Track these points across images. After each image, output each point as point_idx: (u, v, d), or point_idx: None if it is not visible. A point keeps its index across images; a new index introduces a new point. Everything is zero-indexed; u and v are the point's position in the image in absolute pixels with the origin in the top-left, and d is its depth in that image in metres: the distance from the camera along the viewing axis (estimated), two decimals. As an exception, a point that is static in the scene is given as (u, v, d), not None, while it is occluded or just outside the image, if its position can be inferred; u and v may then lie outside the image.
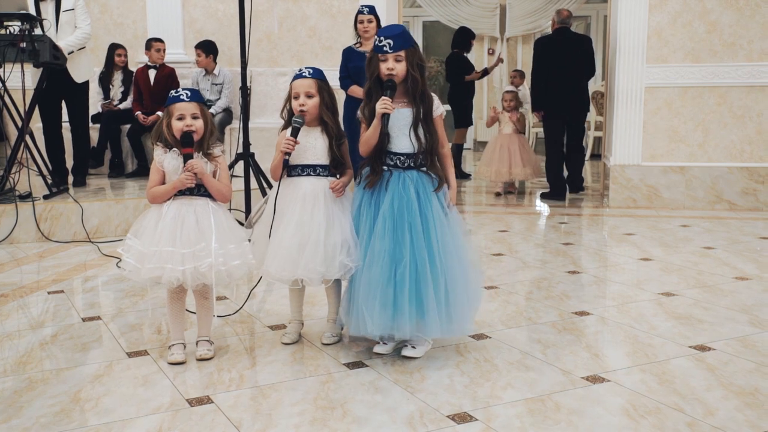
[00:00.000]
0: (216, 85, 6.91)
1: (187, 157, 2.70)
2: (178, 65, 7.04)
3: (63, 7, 5.57)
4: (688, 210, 6.16)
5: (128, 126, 6.82)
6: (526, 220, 5.87)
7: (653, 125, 6.27)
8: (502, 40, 12.38)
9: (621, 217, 5.93)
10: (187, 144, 2.70)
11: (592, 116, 10.40)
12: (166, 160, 2.74)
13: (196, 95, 2.76)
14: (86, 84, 5.89)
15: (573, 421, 2.29)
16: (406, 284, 2.66)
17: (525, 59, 12.63)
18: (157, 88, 6.74)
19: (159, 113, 6.14)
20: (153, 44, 6.76)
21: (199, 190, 2.74)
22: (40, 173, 5.41)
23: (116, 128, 6.87)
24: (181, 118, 2.71)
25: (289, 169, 2.88)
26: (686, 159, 6.27)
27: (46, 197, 5.19)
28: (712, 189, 6.23)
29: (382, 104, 2.69)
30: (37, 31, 5.21)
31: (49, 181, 5.41)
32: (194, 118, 2.72)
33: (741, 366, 2.73)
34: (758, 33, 6.07)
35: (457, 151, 8.63)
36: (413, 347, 2.81)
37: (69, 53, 5.50)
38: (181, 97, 2.73)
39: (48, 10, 5.54)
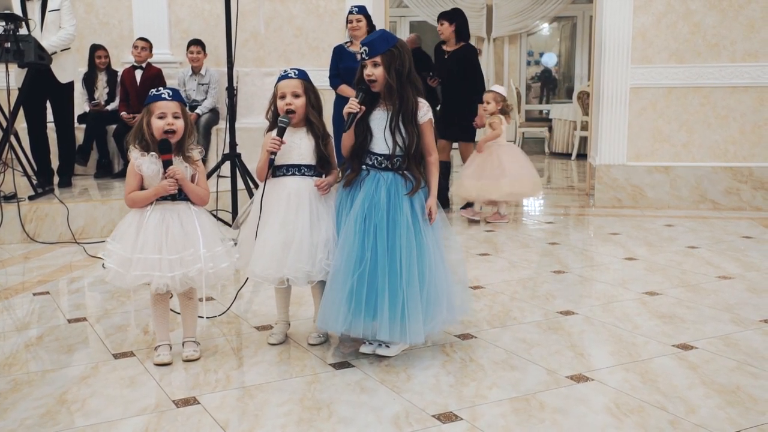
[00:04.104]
0: (202, 85, 6.89)
1: (167, 164, 2.69)
2: (165, 65, 7.01)
3: (49, 7, 5.55)
4: (672, 210, 6.21)
5: (114, 126, 6.79)
6: (512, 220, 5.89)
7: (638, 125, 6.31)
8: (488, 40, 12.41)
9: (606, 216, 5.97)
10: (165, 150, 2.68)
11: (578, 116, 10.46)
12: (144, 164, 2.71)
13: (177, 95, 2.74)
14: (71, 84, 5.86)
15: (557, 419, 2.31)
16: (364, 285, 2.68)
17: (511, 59, 12.67)
18: (143, 88, 6.71)
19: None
20: (134, 43, 6.75)
21: (180, 194, 2.73)
22: (25, 174, 5.38)
23: (102, 129, 6.84)
24: (162, 116, 2.69)
25: (275, 170, 2.88)
26: (671, 159, 6.32)
27: (31, 198, 5.16)
28: (696, 189, 6.28)
29: (348, 103, 2.77)
30: (22, 31, 5.18)
31: (35, 182, 5.38)
32: (175, 117, 2.70)
33: (723, 364, 2.76)
34: (741, 34, 6.12)
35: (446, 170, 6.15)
36: (387, 346, 2.82)
37: (52, 53, 5.47)
38: (163, 95, 2.71)
39: (34, 10, 5.51)
